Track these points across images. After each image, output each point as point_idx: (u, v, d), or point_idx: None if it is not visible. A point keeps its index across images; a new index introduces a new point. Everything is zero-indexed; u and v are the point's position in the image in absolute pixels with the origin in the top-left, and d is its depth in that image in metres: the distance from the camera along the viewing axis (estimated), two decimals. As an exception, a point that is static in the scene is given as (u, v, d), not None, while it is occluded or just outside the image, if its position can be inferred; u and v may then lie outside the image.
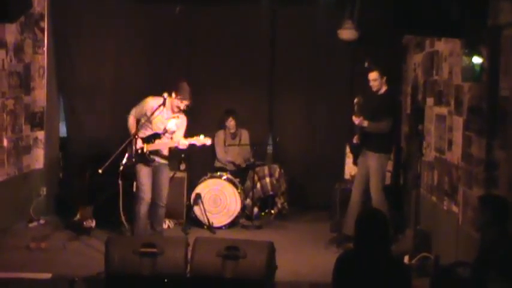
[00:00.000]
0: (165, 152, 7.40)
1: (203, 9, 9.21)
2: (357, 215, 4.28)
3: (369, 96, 7.67)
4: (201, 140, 7.20)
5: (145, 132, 7.25)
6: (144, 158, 7.22)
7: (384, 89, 7.63)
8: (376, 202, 7.47)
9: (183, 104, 7.22)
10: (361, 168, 7.74)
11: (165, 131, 7.27)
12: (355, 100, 7.59)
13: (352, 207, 7.65)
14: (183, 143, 7.18)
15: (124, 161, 7.18)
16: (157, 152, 7.29)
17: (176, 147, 7.30)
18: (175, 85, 7.23)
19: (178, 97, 7.18)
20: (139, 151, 7.19)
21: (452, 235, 6.45)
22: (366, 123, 7.49)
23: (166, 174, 7.50)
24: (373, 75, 7.60)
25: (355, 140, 7.73)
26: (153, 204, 7.39)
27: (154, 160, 7.27)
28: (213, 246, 5.78)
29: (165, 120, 7.28)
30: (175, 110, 7.27)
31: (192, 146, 7.29)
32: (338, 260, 4.14)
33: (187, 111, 7.42)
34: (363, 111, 7.55)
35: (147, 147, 7.22)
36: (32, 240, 7.47)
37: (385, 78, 7.60)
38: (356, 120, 7.52)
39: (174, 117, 7.32)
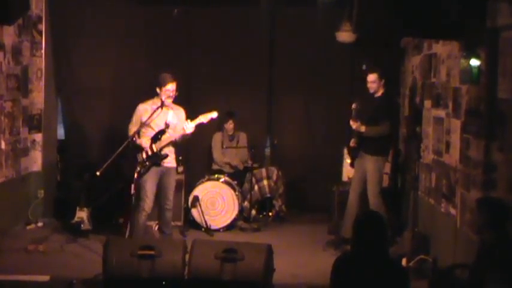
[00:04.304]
0: (173, 156, 7.32)
1: (202, 11, 9.20)
2: (355, 218, 4.29)
3: (366, 99, 7.68)
4: (207, 116, 7.21)
5: (149, 135, 7.21)
6: (157, 158, 7.16)
7: (380, 91, 7.65)
8: (373, 205, 7.46)
9: (171, 89, 7.15)
10: (358, 170, 7.74)
11: (167, 125, 7.19)
12: (353, 106, 7.62)
13: (349, 209, 7.65)
14: (190, 126, 7.12)
15: (138, 169, 7.07)
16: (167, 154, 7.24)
17: (183, 135, 7.19)
18: (156, 81, 7.21)
19: (164, 86, 7.14)
20: (150, 153, 7.14)
21: (451, 237, 6.45)
22: (363, 129, 7.50)
23: (173, 178, 7.44)
24: (372, 77, 7.62)
25: (352, 143, 7.72)
26: (161, 208, 7.37)
27: (167, 156, 7.20)
28: (211, 249, 5.79)
29: (163, 117, 7.21)
30: (169, 99, 7.17)
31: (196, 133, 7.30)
32: (336, 262, 4.14)
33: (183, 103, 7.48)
34: (360, 115, 7.56)
35: (156, 146, 7.17)
36: (30, 242, 7.47)
37: (383, 80, 7.62)
38: (354, 125, 7.53)
39: (170, 109, 7.26)
